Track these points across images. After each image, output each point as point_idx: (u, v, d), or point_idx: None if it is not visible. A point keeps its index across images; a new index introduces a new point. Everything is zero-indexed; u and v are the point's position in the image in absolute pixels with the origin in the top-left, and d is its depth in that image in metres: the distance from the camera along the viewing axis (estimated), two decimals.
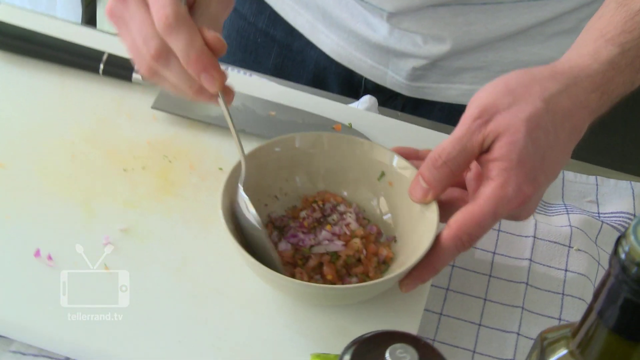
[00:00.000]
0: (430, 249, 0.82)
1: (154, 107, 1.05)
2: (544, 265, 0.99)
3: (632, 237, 0.49)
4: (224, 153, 1.02)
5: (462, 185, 0.88)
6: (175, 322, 0.85)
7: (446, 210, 0.86)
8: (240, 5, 1.35)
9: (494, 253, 1.00)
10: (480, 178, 0.83)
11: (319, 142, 0.94)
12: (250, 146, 0.95)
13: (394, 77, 1.27)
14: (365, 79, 1.31)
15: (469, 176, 0.86)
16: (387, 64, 1.26)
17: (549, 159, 0.81)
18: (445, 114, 1.29)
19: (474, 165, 0.85)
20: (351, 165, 0.95)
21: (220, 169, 1.00)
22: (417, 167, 0.88)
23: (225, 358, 0.83)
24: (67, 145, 1.01)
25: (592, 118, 0.84)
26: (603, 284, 0.54)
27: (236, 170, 0.88)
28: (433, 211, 0.86)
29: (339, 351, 0.84)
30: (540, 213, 1.06)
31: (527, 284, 0.97)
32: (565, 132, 0.81)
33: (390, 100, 1.30)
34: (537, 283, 0.97)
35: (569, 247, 1.00)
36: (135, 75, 1.07)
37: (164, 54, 0.82)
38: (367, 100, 1.15)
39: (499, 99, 0.81)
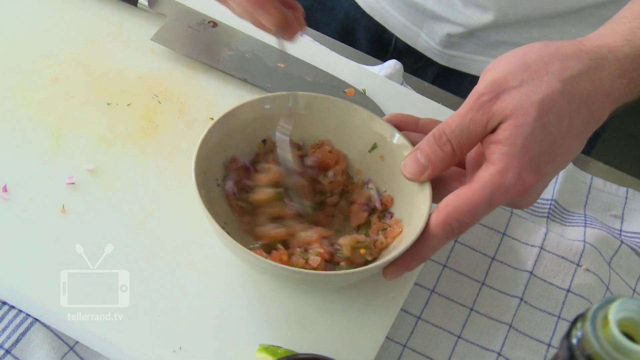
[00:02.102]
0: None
1: (154, 39, 0.97)
2: (544, 281, 0.90)
3: (588, 324, 0.40)
4: (219, 102, 0.93)
5: (461, 164, 0.79)
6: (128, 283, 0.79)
7: (439, 190, 0.77)
8: None
9: (493, 259, 0.91)
10: (481, 159, 0.74)
11: (312, 104, 0.85)
12: (248, 97, 0.87)
13: (426, 41, 1.18)
14: (397, 38, 1.21)
15: (470, 155, 0.77)
16: (421, 26, 1.16)
17: (559, 147, 0.71)
18: None
19: None
20: (345, 132, 0.86)
21: (211, 118, 0.90)
22: (417, 140, 0.79)
23: (165, 329, 0.76)
24: (52, 66, 0.93)
25: (613, 107, 0.74)
26: None
27: (210, 134, 0.80)
28: (426, 195, 0.77)
29: (293, 346, 0.77)
30: (555, 221, 0.96)
31: (521, 299, 0.88)
32: (581, 119, 0.72)
33: (422, 69, 1.21)
34: (532, 300, 0.88)
35: (577, 265, 0.91)
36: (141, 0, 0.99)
37: None
38: (391, 65, 1.04)
39: (512, 75, 0.71)
